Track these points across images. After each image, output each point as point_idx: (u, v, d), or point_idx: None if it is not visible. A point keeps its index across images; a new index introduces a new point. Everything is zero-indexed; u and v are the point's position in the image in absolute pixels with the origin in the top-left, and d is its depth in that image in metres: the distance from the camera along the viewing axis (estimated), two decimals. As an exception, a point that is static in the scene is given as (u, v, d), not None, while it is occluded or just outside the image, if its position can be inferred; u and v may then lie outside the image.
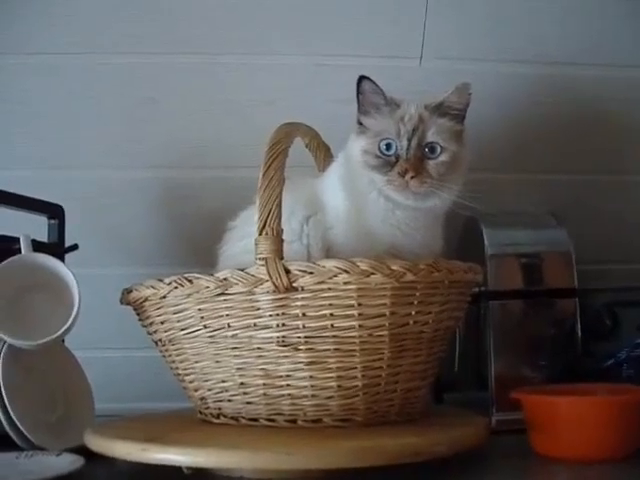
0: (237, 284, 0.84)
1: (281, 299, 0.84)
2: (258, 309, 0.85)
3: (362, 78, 0.96)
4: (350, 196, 0.96)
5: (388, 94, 0.96)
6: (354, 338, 0.85)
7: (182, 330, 0.90)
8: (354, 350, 0.85)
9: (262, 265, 0.83)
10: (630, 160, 1.33)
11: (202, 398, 0.93)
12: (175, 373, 0.96)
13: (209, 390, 0.91)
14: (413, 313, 0.86)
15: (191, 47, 1.24)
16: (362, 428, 0.87)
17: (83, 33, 1.23)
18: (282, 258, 0.84)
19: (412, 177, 0.91)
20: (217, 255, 1.02)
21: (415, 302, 0.86)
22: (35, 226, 1.06)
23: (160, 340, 0.94)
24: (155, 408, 1.08)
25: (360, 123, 0.98)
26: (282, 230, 0.85)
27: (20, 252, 0.98)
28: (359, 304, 0.84)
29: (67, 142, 1.23)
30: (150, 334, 0.96)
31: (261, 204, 0.85)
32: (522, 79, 1.28)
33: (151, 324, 0.94)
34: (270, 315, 0.84)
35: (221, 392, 0.90)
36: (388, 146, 0.94)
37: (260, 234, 0.84)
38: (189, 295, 0.87)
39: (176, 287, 0.87)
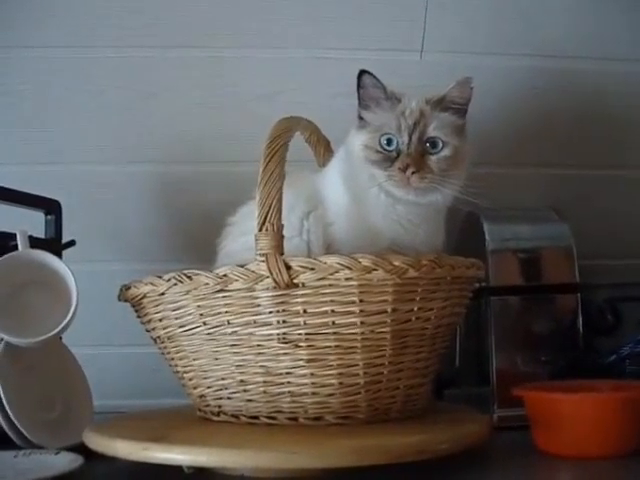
0: (237, 280, 0.83)
1: (281, 295, 0.83)
2: (258, 306, 0.84)
3: (362, 72, 0.95)
4: (351, 191, 0.95)
5: (389, 88, 0.95)
6: (355, 335, 0.84)
7: (181, 327, 0.89)
8: (355, 347, 0.84)
9: (262, 261, 0.82)
10: (632, 154, 1.33)
11: (201, 396, 0.92)
12: (174, 370, 0.95)
13: (208, 388, 0.91)
14: (415, 309, 0.86)
15: (191, 41, 1.24)
16: (364, 426, 0.86)
17: (82, 27, 1.22)
18: (282, 254, 0.83)
19: (413, 172, 0.90)
20: (216, 251, 1.01)
21: (417, 298, 0.85)
22: (32, 222, 1.05)
23: (159, 337, 0.93)
24: (153, 405, 1.07)
25: (361, 118, 0.97)
26: (282, 226, 0.84)
27: (17, 248, 0.97)
28: (361, 300, 0.83)
29: (64, 137, 1.23)
30: (148, 331, 0.95)
31: (261, 199, 0.84)
32: (523, 73, 1.28)
33: (149, 321, 0.93)
34: (270, 312, 0.84)
35: (221, 390, 0.89)
36: (389, 141, 0.93)
37: (260, 230, 0.83)
38: (188, 292, 0.86)
39: (175, 284, 0.86)
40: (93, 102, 1.23)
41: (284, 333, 0.84)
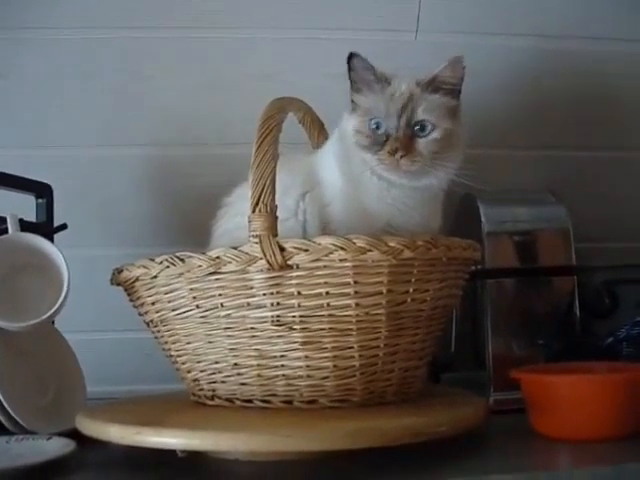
0: (230, 262, 0.82)
1: (275, 277, 0.82)
2: (252, 288, 0.83)
3: (352, 55, 0.94)
4: (345, 174, 0.94)
5: (379, 70, 0.94)
6: (350, 317, 0.83)
7: (174, 310, 0.88)
8: (350, 329, 0.83)
9: (256, 243, 0.81)
10: (630, 136, 1.32)
11: (195, 380, 0.91)
12: (167, 355, 0.94)
13: (202, 371, 0.90)
14: (411, 291, 0.85)
15: (185, 22, 1.22)
16: (359, 409, 0.85)
17: (75, 7, 1.21)
18: (276, 235, 0.82)
19: (402, 156, 0.89)
20: (210, 233, 1.00)
21: (412, 280, 0.84)
22: (23, 206, 1.04)
23: (152, 321, 0.92)
24: (147, 390, 1.07)
25: (353, 101, 0.96)
26: (276, 207, 0.83)
27: (7, 232, 0.96)
28: (355, 282, 0.82)
29: (56, 119, 1.21)
30: (141, 315, 0.94)
31: (254, 180, 0.83)
32: (520, 53, 1.27)
33: (142, 305, 0.92)
34: (264, 294, 0.83)
35: (214, 373, 0.89)
36: (378, 125, 0.92)
37: (253, 211, 0.82)
38: (181, 274, 0.85)
39: (167, 266, 0.85)
40: (86, 84, 1.22)
41: (278, 315, 0.83)
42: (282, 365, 0.85)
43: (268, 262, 0.81)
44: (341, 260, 0.81)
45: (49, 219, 1.06)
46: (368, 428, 0.77)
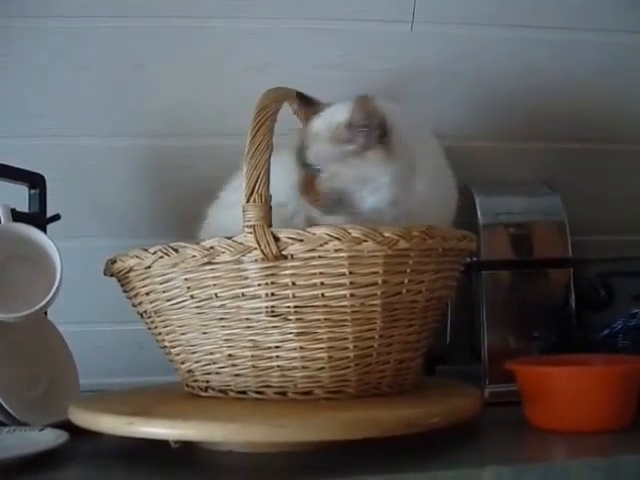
0: (224, 253, 0.81)
1: (270, 268, 0.81)
2: (246, 278, 0.82)
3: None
4: None
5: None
6: (345, 308, 0.82)
7: (168, 301, 0.87)
8: (345, 320, 0.83)
9: (250, 233, 0.81)
10: (626, 129, 1.31)
11: (189, 371, 0.91)
12: (161, 345, 0.93)
13: (196, 362, 0.89)
14: (406, 282, 0.84)
15: (179, 11, 1.21)
16: (354, 400, 0.85)
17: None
18: (270, 225, 0.81)
19: (303, 194, 0.92)
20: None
21: (408, 270, 0.84)
22: (15, 196, 1.03)
23: (145, 312, 0.92)
24: (140, 382, 1.06)
25: None
26: (270, 197, 0.82)
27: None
28: (350, 272, 0.81)
29: (49, 109, 1.20)
30: (135, 306, 0.93)
31: (248, 170, 0.82)
32: (517, 44, 1.26)
33: (136, 295, 0.91)
34: (259, 284, 0.82)
35: (209, 364, 0.88)
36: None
37: (247, 201, 0.82)
38: (175, 265, 0.84)
39: (161, 256, 0.84)
40: (77, 74, 1.20)
41: (273, 306, 0.83)
42: (277, 356, 0.84)
43: (262, 252, 0.80)
44: (336, 250, 0.80)
45: (42, 210, 1.05)
46: (363, 419, 0.77)
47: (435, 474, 0.73)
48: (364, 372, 0.86)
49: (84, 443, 0.84)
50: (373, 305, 0.83)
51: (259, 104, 0.86)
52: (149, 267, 0.86)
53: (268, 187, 0.82)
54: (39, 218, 1.03)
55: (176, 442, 0.77)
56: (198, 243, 0.83)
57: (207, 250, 0.82)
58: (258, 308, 0.83)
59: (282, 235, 0.80)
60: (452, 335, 1.12)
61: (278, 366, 0.84)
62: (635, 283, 1.11)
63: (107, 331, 1.22)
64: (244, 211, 0.82)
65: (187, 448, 0.78)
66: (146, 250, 0.86)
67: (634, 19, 1.28)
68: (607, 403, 0.86)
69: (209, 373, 0.88)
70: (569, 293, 1.09)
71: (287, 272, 0.81)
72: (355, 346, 0.84)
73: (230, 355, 0.86)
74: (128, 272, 0.89)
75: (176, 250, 0.84)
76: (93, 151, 1.21)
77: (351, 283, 0.82)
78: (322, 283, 0.82)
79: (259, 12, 1.22)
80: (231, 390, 0.87)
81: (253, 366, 0.85)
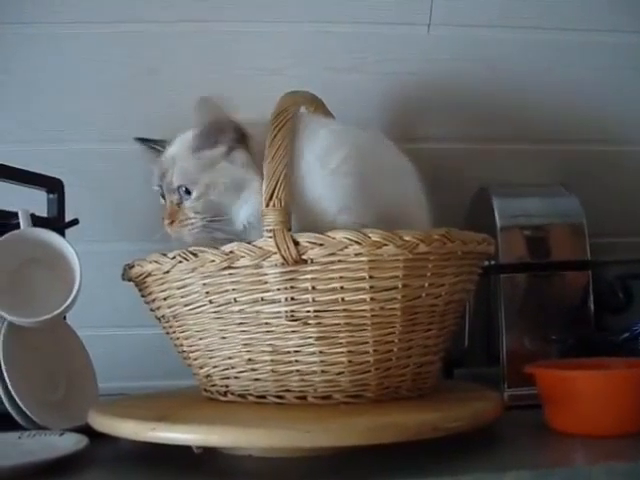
0: (244, 257, 0.81)
1: (290, 272, 0.81)
2: (266, 283, 0.82)
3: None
4: None
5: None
6: (365, 312, 0.82)
7: (186, 306, 0.87)
8: (365, 324, 0.83)
9: (270, 237, 0.80)
10: (643, 130, 1.31)
11: (208, 375, 0.90)
12: (179, 350, 0.93)
13: (215, 367, 0.89)
14: (426, 285, 0.84)
15: (192, 15, 1.21)
16: (374, 404, 0.85)
17: (81, 3, 1.20)
18: (290, 229, 0.81)
19: (169, 224, 0.91)
20: None
21: (428, 274, 0.84)
22: (34, 201, 1.03)
23: (163, 316, 0.92)
24: (157, 387, 1.06)
25: None
26: (289, 201, 0.82)
27: (19, 227, 0.95)
28: (370, 276, 0.81)
29: (66, 115, 1.21)
30: (153, 310, 0.93)
31: (268, 174, 0.82)
32: (533, 46, 1.25)
33: (154, 300, 0.91)
34: (278, 289, 0.82)
35: (228, 369, 0.88)
36: (160, 195, 0.95)
37: (267, 205, 0.82)
38: (194, 269, 0.84)
39: (180, 261, 0.84)
40: (94, 79, 1.21)
41: (292, 310, 0.82)
42: (296, 360, 0.84)
43: (282, 257, 0.80)
44: (356, 254, 0.80)
45: (60, 214, 1.05)
46: (384, 423, 0.76)
47: (457, 479, 0.73)
48: (384, 376, 0.85)
49: (103, 447, 0.84)
50: (393, 309, 0.83)
51: (277, 108, 0.86)
52: (167, 272, 0.86)
53: (288, 191, 0.82)
54: (57, 223, 1.03)
55: (198, 447, 0.77)
56: (217, 248, 0.83)
57: (226, 254, 0.82)
58: (278, 312, 0.83)
59: (302, 239, 0.80)
60: (470, 338, 1.12)
61: (297, 370, 0.84)
62: (655, 285, 1.10)
63: (125, 335, 1.22)
64: (264, 215, 0.82)
65: (207, 453, 0.78)
66: (164, 255, 0.86)
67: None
68: (629, 407, 0.85)
69: (228, 378, 0.88)
70: (587, 296, 1.08)
71: (307, 276, 0.81)
72: (375, 350, 0.84)
73: (249, 359, 0.86)
74: (146, 277, 0.89)
75: (195, 254, 0.84)
76: (110, 156, 1.22)
77: (371, 287, 0.81)
78: (342, 287, 0.81)
79: (273, 15, 1.22)
80: (250, 395, 0.87)
81: (272, 370, 0.85)
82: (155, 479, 0.78)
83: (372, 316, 0.82)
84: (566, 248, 1.09)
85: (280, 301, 0.82)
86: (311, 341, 0.83)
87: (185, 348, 0.92)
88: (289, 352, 0.84)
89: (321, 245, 0.80)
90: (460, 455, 0.79)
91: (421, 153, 1.21)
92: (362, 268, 0.81)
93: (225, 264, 0.82)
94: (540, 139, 1.28)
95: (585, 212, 1.09)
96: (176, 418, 0.79)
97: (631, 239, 1.25)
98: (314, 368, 0.84)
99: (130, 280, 0.93)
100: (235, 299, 0.84)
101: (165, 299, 0.89)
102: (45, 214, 1.04)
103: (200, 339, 0.89)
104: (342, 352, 0.83)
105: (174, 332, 0.92)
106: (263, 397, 0.86)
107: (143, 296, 0.93)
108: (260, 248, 0.81)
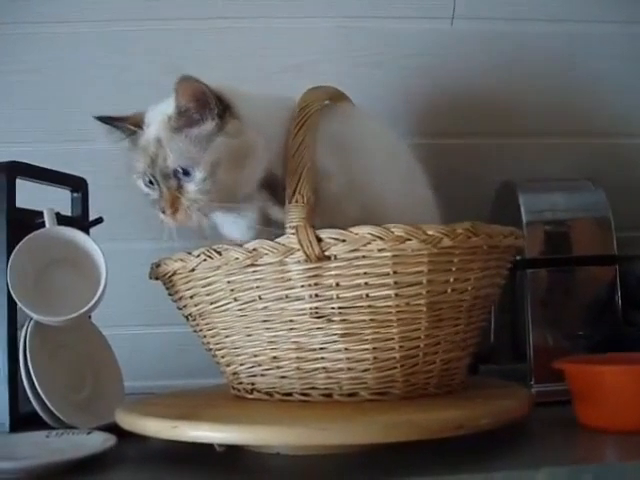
0: (267, 254, 0.81)
1: (313, 269, 0.81)
2: (289, 280, 0.82)
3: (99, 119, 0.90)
4: None
5: (132, 116, 0.89)
6: (390, 308, 0.82)
7: (212, 304, 0.87)
8: (390, 320, 0.82)
9: (293, 234, 0.80)
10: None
11: (234, 373, 0.90)
12: (207, 348, 0.93)
13: (241, 365, 0.89)
14: (451, 280, 0.83)
15: (216, 11, 1.22)
16: (400, 401, 0.84)
17: (105, 1, 1.21)
18: (313, 226, 0.80)
19: (173, 213, 0.85)
20: None
21: (453, 269, 0.83)
22: (58, 200, 1.04)
23: (190, 315, 0.92)
24: (183, 385, 1.06)
25: None
26: (312, 197, 0.82)
27: (44, 226, 0.95)
28: (395, 272, 0.80)
29: (90, 113, 1.21)
30: (180, 309, 0.93)
31: (291, 170, 0.82)
32: (558, 38, 1.24)
33: (180, 299, 0.91)
34: (302, 286, 0.81)
35: (254, 366, 0.88)
36: (145, 182, 0.88)
37: (290, 201, 0.81)
38: (218, 267, 0.84)
39: (205, 259, 0.84)
40: (119, 77, 1.22)
41: (317, 307, 0.82)
42: (322, 358, 0.84)
43: (305, 253, 0.80)
44: (379, 250, 0.79)
45: (84, 213, 1.06)
46: (407, 421, 0.75)
47: (489, 475, 0.72)
48: (410, 373, 0.85)
49: (131, 446, 0.84)
50: (418, 305, 0.82)
51: (301, 102, 0.86)
52: (193, 270, 0.86)
53: (310, 187, 0.82)
54: (82, 221, 1.04)
55: (221, 446, 0.76)
56: (241, 245, 0.83)
57: (250, 252, 0.82)
58: (302, 309, 0.82)
59: (325, 235, 0.80)
60: (495, 334, 1.11)
61: (323, 368, 0.84)
62: (682, 280, 1.09)
63: (150, 334, 1.22)
64: (287, 212, 0.81)
65: (234, 450, 0.78)
66: (189, 253, 0.86)
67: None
68: (659, 402, 0.84)
69: (254, 375, 0.88)
70: (614, 290, 1.07)
71: (331, 273, 0.81)
72: (401, 346, 0.83)
73: (275, 357, 0.85)
74: (172, 275, 0.89)
75: (219, 252, 0.84)
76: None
77: (395, 283, 0.81)
78: (366, 283, 0.81)
79: (297, 12, 1.23)
80: (277, 392, 0.87)
81: (298, 368, 0.85)
82: (183, 477, 0.78)
83: (397, 312, 0.82)
84: (592, 243, 1.08)
85: (304, 298, 0.82)
86: (336, 338, 0.83)
87: (212, 346, 0.92)
88: (314, 349, 0.84)
89: (344, 241, 0.79)
90: (491, 452, 0.78)
91: (445, 148, 1.21)
92: (386, 264, 0.80)
93: (249, 261, 0.82)
94: (565, 133, 1.27)
95: (611, 206, 1.08)
96: (198, 416, 0.79)
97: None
98: (340, 365, 0.83)
99: (157, 278, 0.93)
100: (259, 296, 0.84)
101: (191, 297, 0.89)
102: (69, 213, 1.04)
103: (226, 337, 0.89)
104: (367, 349, 0.83)
105: (201, 330, 0.92)
106: (289, 395, 0.86)
107: (170, 295, 0.94)
108: (283, 245, 0.80)
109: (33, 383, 0.90)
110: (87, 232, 1.01)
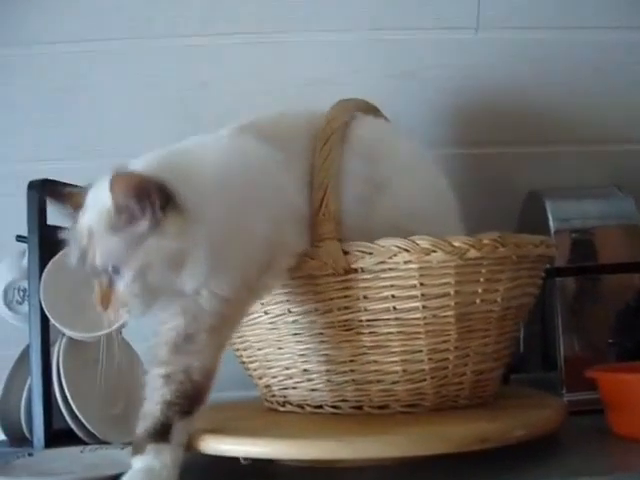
0: (296, 269, 0.82)
1: (341, 282, 0.81)
2: (319, 293, 0.82)
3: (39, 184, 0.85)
4: None
5: (76, 192, 0.80)
6: (418, 320, 0.82)
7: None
8: (419, 332, 0.82)
9: (320, 247, 0.81)
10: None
11: (267, 386, 0.91)
12: (240, 361, 0.94)
13: (273, 378, 0.89)
14: (480, 291, 0.83)
15: (242, 27, 1.22)
16: (431, 413, 0.84)
17: (131, 17, 1.22)
18: (340, 239, 0.81)
19: (105, 310, 0.77)
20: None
21: (481, 279, 0.82)
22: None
23: (223, 328, 0.92)
24: (215, 398, 1.06)
25: None
26: (339, 210, 0.82)
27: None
28: (421, 284, 0.80)
29: (114, 130, 1.22)
30: (213, 322, 0.94)
31: (317, 183, 0.82)
32: (584, 47, 1.23)
33: (212, 312, 0.92)
34: (331, 298, 0.82)
35: (286, 379, 0.88)
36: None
37: (317, 215, 0.82)
38: (249, 282, 0.85)
39: (235, 274, 0.85)
40: (144, 94, 1.23)
41: (345, 320, 0.82)
42: (351, 370, 0.84)
43: (332, 267, 0.80)
44: (406, 262, 0.80)
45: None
46: (441, 433, 0.75)
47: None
48: (440, 385, 0.84)
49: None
50: (446, 316, 0.82)
51: (328, 116, 0.87)
52: (224, 285, 0.87)
53: (337, 200, 0.82)
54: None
55: (246, 459, 0.77)
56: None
57: (280, 267, 0.82)
58: (331, 322, 0.83)
59: (351, 248, 0.80)
60: (525, 343, 1.10)
61: (353, 380, 0.84)
62: None
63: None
64: (314, 225, 0.82)
65: (265, 463, 0.78)
66: (220, 268, 0.86)
67: None
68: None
69: (286, 388, 0.89)
70: (645, 298, 1.06)
71: (358, 285, 0.81)
72: (430, 358, 0.83)
73: (305, 370, 0.86)
74: (204, 290, 0.90)
75: (249, 267, 0.84)
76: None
77: (422, 295, 0.81)
78: (393, 296, 0.81)
79: (323, 24, 1.22)
80: (308, 405, 0.87)
81: (328, 380, 0.85)
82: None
83: (425, 324, 0.82)
84: (622, 250, 1.07)
85: (332, 311, 0.82)
86: (365, 350, 0.83)
87: (245, 359, 0.93)
88: (344, 362, 0.84)
89: (370, 254, 0.80)
90: (525, 463, 0.78)
91: (473, 158, 1.20)
92: (412, 276, 0.80)
93: (278, 276, 0.82)
94: (592, 140, 1.25)
95: None
96: (226, 429, 0.79)
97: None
98: (369, 377, 0.84)
99: (188, 292, 0.93)
100: (289, 310, 0.84)
101: (223, 311, 0.90)
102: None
103: (258, 350, 0.90)
104: (396, 361, 0.83)
105: (234, 343, 0.92)
106: (320, 407, 0.87)
107: (202, 309, 0.94)
108: (312, 259, 0.81)
109: (67, 399, 0.91)
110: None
